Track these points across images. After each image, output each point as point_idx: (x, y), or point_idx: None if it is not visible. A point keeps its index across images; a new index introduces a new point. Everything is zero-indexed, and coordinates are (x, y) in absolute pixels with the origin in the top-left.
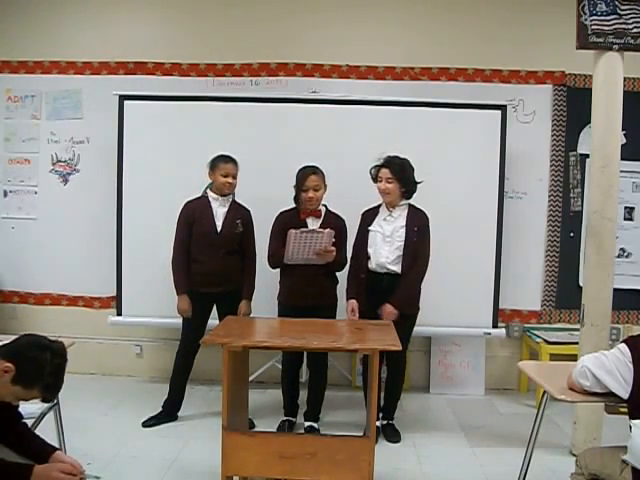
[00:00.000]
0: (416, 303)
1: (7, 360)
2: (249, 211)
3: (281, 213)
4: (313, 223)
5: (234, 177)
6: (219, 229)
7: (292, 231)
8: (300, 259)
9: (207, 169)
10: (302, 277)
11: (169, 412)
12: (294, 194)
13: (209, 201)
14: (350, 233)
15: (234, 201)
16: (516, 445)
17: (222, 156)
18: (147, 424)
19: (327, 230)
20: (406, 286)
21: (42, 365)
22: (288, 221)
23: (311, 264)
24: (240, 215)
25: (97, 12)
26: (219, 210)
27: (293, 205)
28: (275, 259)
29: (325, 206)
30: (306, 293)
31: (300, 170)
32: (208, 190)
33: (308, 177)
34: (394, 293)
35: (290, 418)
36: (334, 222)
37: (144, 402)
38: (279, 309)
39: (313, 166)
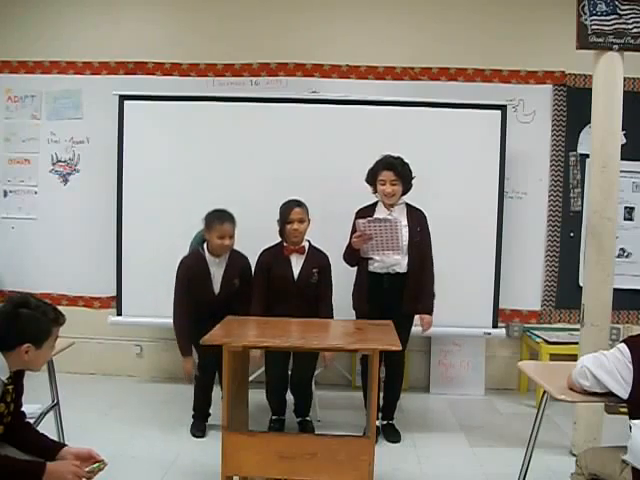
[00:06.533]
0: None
1: (17, 346)
2: (247, 259)
3: (264, 251)
4: (297, 260)
5: (231, 237)
6: (217, 292)
7: (360, 221)
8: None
9: (202, 224)
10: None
11: (203, 414)
12: (279, 228)
13: (206, 263)
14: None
15: (231, 252)
16: (516, 445)
17: (218, 215)
18: (197, 435)
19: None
20: (428, 293)
21: (32, 317)
22: (271, 259)
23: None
24: (238, 270)
25: (97, 12)
26: (216, 272)
27: (278, 240)
28: (257, 310)
29: (309, 241)
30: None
31: (284, 204)
32: (205, 248)
33: (292, 210)
34: (421, 304)
35: (280, 417)
36: (318, 259)
37: (144, 402)
38: None
39: (296, 200)
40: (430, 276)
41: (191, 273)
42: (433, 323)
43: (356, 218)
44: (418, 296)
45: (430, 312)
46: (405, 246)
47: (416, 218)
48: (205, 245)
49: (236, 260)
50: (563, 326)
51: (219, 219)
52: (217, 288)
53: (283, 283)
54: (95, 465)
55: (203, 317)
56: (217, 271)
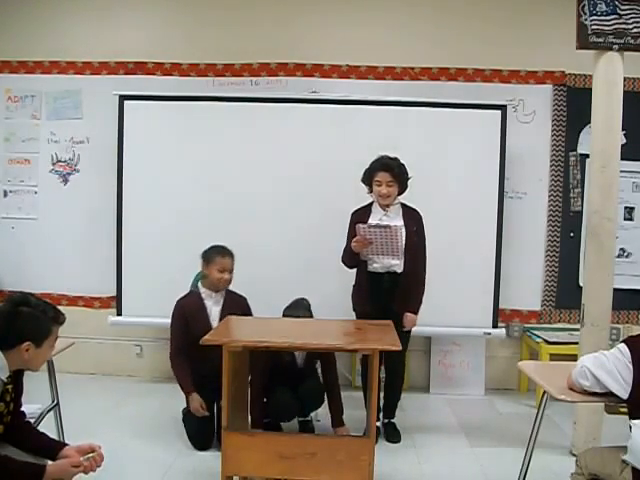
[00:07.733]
0: None
1: (16, 345)
2: (245, 299)
3: None
4: None
5: (230, 272)
6: (214, 326)
7: (360, 225)
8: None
9: (200, 260)
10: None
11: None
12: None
13: (202, 299)
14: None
15: (228, 292)
16: (516, 445)
17: (218, 249)
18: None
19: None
20: (418, 291)
21: (32, 316)
22: None
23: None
24: (239, 307)
25: (97, 12)
26: (213, 309)
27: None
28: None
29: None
30: None
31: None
32: (200, 286)
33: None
34: (409, 300)
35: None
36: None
37: (144, 402)
38: None
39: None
40: (421, 276)
41: (187, 311)
42: (433, 323)
43: (352, 219)
44: (409, 295)
45: (415, 311)
46: (402, 246)
47: (412, 218)
48: (200, 283)
49: (234, 298)
50: (563, 326)
51: (220, 253)
52: (215, 323)
53: (283, 355)
54: (90, 455)
55: (202, 359)
56: (214, 307)
